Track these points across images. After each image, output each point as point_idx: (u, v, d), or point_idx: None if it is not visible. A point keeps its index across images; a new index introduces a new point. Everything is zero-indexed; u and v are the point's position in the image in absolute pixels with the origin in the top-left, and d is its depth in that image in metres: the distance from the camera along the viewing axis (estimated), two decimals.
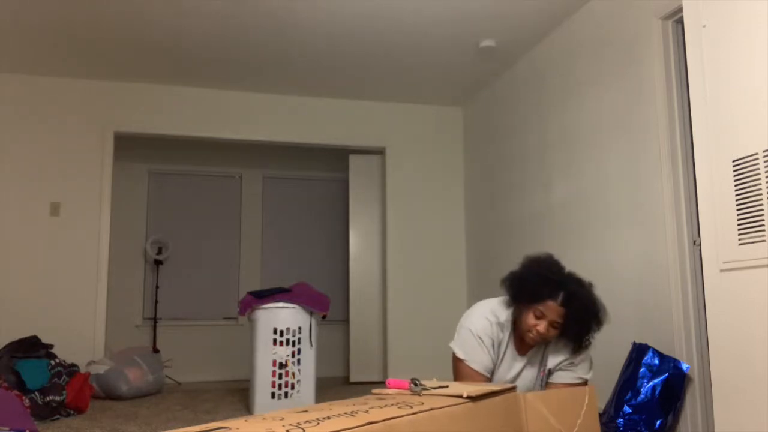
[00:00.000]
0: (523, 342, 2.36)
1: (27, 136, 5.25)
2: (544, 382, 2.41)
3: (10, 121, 5.23)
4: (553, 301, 2.20)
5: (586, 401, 2.24)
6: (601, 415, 3.50)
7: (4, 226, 5.11)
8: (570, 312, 2.19)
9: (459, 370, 2.41)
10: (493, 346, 2.37)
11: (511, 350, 2.39)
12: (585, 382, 2.36)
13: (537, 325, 2.23)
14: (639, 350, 3.30)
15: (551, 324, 2.23)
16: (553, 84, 4.56)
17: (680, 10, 3.25)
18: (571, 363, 2.36)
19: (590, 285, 2.29)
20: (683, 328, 3.23)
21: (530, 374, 2.41)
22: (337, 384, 6.05)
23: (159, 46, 4.78)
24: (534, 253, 2.39)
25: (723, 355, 2.00)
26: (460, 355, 2.39)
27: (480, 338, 2.35)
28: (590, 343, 2.31)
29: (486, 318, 2.38)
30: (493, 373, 2.40)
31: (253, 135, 5.77)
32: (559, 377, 2.38)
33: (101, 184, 5.35)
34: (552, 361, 2.38)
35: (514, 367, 2.41)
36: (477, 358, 2.36)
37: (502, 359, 2.40)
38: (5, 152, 5.18)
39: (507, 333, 2.38)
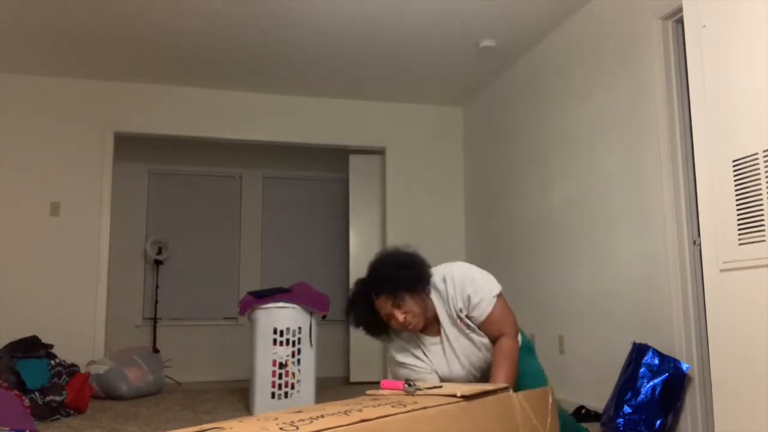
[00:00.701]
0: (423, 329, 2.32)
1: (27, 136, 5.25)
2: (473, 328, 2.32)
3: (10, 121, 5.23)
4: (378, 300, 2.21)
5: (550, 401, 2.23)
6: (601, 415, 3.50)
7: (4, 226, 5.11)
8: (386, 290, 2.19)
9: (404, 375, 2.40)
10: (415, 355, 2.34)
11: (428, 342, 2.33)
12: (498, 297, 2.28)
13: (394, 318, 2.22)
14: (639, 350, 3.30)
15: (396, 313, 2.20)
16: (553, 84, 4.56)
17: (680, 10, 3.25)
18: (469, 301, 2.27)
19: (400, 256, 2.27)
20: (683, 328, 3.23)
21: (461, 340, 2.32)
22: (337, 384, 6.05)
23: (159, 46, 4.78)
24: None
25: (723, 355, 2.00)
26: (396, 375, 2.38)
27: (403, 363, 2.34)
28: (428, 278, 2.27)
29: (391, 342, 2.39)
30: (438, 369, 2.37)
31: (253, 135, 5.76)
32: (479, 319, 2.28)
33: (101, 184, 5.35)
34: (451, 313, 2.30)
35: (445, 351, 2.33)
36: (420, 376, 2.32)
37: (431, 354, 2.34)
38: (5, 152, 5.18)
39: (405, 337, 2.36)
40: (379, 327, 2.31)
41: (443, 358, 2.33)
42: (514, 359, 2.25)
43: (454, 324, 2.30)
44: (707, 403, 3.13)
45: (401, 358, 2.35)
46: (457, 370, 2.33)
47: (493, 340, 2.32)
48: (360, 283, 2.29)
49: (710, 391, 3.04)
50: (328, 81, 5.52)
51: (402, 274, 2.20)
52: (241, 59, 5.04)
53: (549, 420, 2.15)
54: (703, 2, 2.12)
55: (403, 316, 2.21)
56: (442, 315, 2.30)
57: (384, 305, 2.21)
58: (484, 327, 2.30)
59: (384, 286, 2.20)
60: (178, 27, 4.46)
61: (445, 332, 2.31)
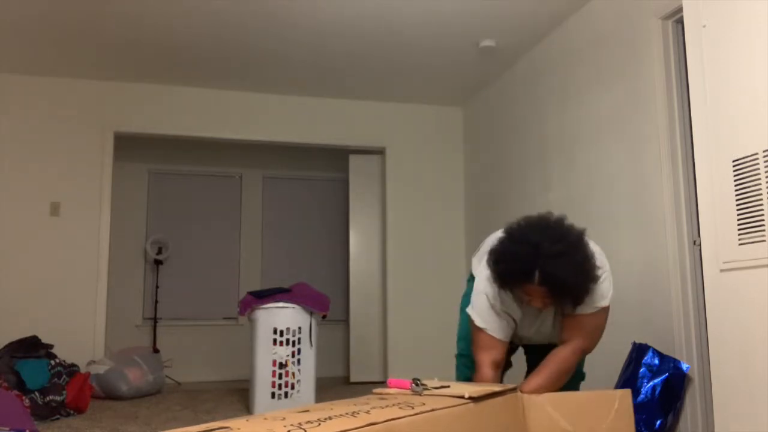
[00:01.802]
0: None
1: (27, 136, 5.25)
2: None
3: (10, 121, 5.22)
4: (530, 284, 2.03)
5: (616, 406, 2.10)
6: None
7: (4, 226, 5.11)
8: (552, 289, 2.02)
9: (478, 337, 2.30)
10: (507, 309, 2.26)
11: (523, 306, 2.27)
12: (605, 309, 2.20)
13: (530, 301, 2.12)
14: (639, 350, 3.30)
15: (542, 299, 2.08)
16: (553, 84, 4.56)
17: (680, 10, 3.25)
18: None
19: (572, 243, 2.04)
20: (683, 328, 3.23)
21: (549, 319, 2.31)
22: (337, 384, 6.05)
23: (159, 47, 4.78)
24: (513, 221, 2.21)
25: (723, 355, 2.00)
26: (478, 323, 2.29)
27: (493, 306, 2.25)
28: (589, 293, 2.11)
29: (492, 284, 2.24)
30: (515, 329, 2.33)
31: (253, 135, 5.76)
32: (576, 310, 2.23)
33: (101, 184, 5.35)
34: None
35: (535, 318, 2.31)
36: (495, 326, 2.25)
37: (520, 316, 2.29)
38: (5, 152, 5.18)
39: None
40: (506, 286, 2.15)
41: (530, 325, 2.33)
42: (563, 370, 2.20)
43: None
44: (707, 403, 3.13)
45: (494, 300, 2.26)
46: (535, 332, 2.34)
47: (561, 340, 2.29)
48: (528, 250, 2.02)
49: (710, 391, 3.04)
50: (328, 81, 5.52)
51: (580, 289, 2.04)
52: (241, 59, 5.04)
53: (604, 426, 2.01)
54: (703, 2, 2.12)
55: (545, 303, 2.11)
56: None
57: (535, 291, 2.06)
58: (567, 323, 2.25)
59: (555, 289, 2.02)
60: (178, 27, 4.46)
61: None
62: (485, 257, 2.29)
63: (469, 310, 2.35)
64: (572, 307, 2.17)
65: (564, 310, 2.25)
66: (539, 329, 2.36)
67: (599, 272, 2.11)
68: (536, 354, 2.52)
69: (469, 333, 2.47)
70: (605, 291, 2.22)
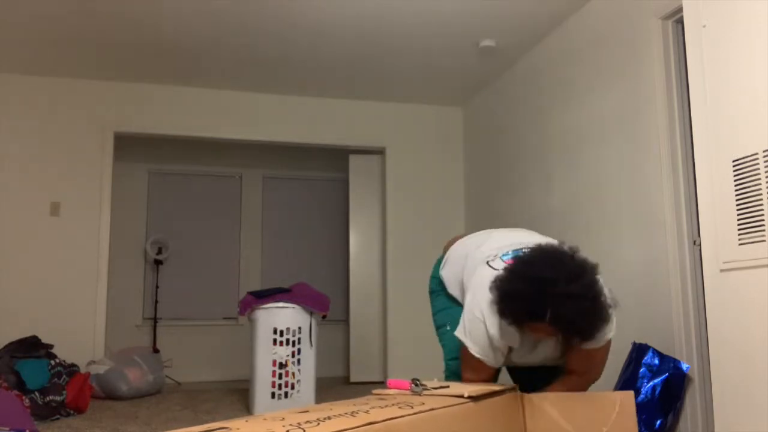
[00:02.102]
0: None
1: (27, 136, 5.25)
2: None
3: (10, 121, 5.23)
4: (541, 323, 1.94)
5: (617, 409, 2.07)
6: None
7: (4, 226, 5.11)
8: (563, 330, 1.96)
9: (470, 361, 2.22)
10: (505, 339, 2.16)
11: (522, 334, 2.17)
12: (610, 340, 2.17)
13: (537, 335, 2.05)
14: (639, 350, 3.30)
15: (549, 335, 2.02)
16: (553, 84, 4.56)
17: (680, 10, 3.25)
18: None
19: (586, 285, 1.95)
20: (683, 328, 3.23)
21: (548, 347, 2.24)
22: (337, 384, 6.05)
23: (159, 47, 4.78)
24: (527, 253, 2.10)
25: (723, 355, 2.00)
26: (475, 352, 2.17)
27: (491, 337, 2.13)
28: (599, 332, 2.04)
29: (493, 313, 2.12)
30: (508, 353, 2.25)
31: (253, 135, 5.76)
32: (584, 345, 2.17)
33: (101, 184, 5.35)
34: None
35: (533, 346, 2.23)
36: (491, 356, 2.17)
37: (518, 345, 2.20)
38: (5, 152, 5.18)
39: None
40: (514, 322, 2.04)
41: (526, 352, 2.25)
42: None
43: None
44: (707, 403, 3.13)
45: (497, 341, 2.13)
46: (518, 359, 2.28)
47: (570, 371, 2.24)
48: (540, 288, 1.91)
49: (710, 391, 3.04)
50: (328, 81, 5.52)
51: (592, 330, 1.96)
52: (241, 59, 5.04)
53: (606, 429, 2.00)
54: (703, 2, 2.12)
55: (551, 338, 2.06)
56: None
57: (543, 330, 1.98)
58: (574, 356, 2.19)
59: (566, 330, 1.95)
60: (178, 27, 4.46)
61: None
62: (480, 270, 2.18)
63: (460, 335, 2.20)
64: (580, 343, 2.10)
65: (570, 344, 2.16)
66: (535, 355, 2.27)
67: (610, 311, 2.03)
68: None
69: (457, 352, 2.38)
70: (612, 325, 2.16)
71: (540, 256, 2.02)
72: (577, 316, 1.90)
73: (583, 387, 2.24)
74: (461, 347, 2.25)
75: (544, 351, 2.26)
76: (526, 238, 2.36)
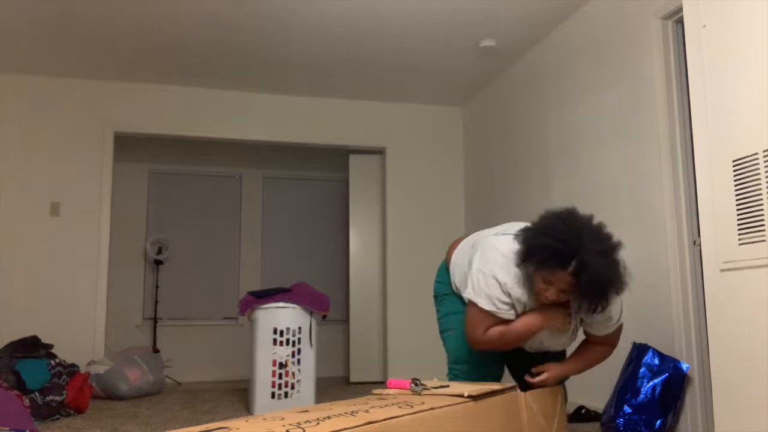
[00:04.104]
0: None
1: (27, 136, 5.25)
2: (577, 328, 2.29)
3: (10, 121, 5.23)
4: (563, 271, 1.99)
5: (560, 400, 2.27)
6: (601, 415, 3.50)
7: (4, 226, 5.11)
8: (581, 282, 1.99)
9: (476, 316, 2.20)
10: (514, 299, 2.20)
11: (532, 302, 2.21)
12: (621, 327, 2.28)
13: (546, 290, 2.08)
14: (639, 350, 3.30)
15: (560, 290, 2.06)
16: (553, 84, 4.56)
17: (680, 10, 3.25)
18: (603, 314, 2.20)
19: (612, 248, 2.04)
20: (683, 328, 3.23)
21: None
22: (337, 384, 6.05)
23: (159, 46, 4.78)
24: (555, 208, 2.15)
25: (723, 355, 2.00)
26: (484, 305, 2.16)
27: (508, 293, 2.15)
28: (608, 304, 2.11)
29: (506, 271, 2.16)
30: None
31: (253, 135, 5.77)
32: (596, 329, 2.26)
33: (101, 184, 5.35)
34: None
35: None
36: (504, 308, 2.17)
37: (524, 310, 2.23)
38: (5, 152, 5.18)
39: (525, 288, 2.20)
40: (537, 264, 2.08)
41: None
42: (594, 363, 2.34)
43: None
44: (707, 403, 3.13)
45: (510, 288, 2.16)
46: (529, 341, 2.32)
47: (595, 341, 2.35)
48: (571, 238, 1.98)
49: (710, 391, 3.04)
50: (328, 81, 5.52)
51: (606, 292, 2.01)
52: (240, 59, 5.04)
53: (556, 419, 2.15)
54: (703, 2, 2.12)
55: (560, 296, 2.08)
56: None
57: (562, 279, 2.02)
58: (594, 335, 2.31)
59: (585, 283, 1.99)
60: (178, 27, 4.46)
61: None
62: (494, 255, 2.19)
63: (469, 295, 2.21)
64: (590, 312, 2.13)
65: (586, 318, 2.22)
66: (545, 335, 2.28)
67: (625, 285, 2.08)
68: (524, 364, 2.45)
69: (466, 355, 2.40)
70: (621, 307, 2.28)
71: (577, 215, 2.10)
72: (600, 274, 1.97)
73: (606, 356, 2.36)
74: (469, 308, 2.24)
75: (560, 336, 2.30)
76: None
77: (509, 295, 2.16)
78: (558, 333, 2.28)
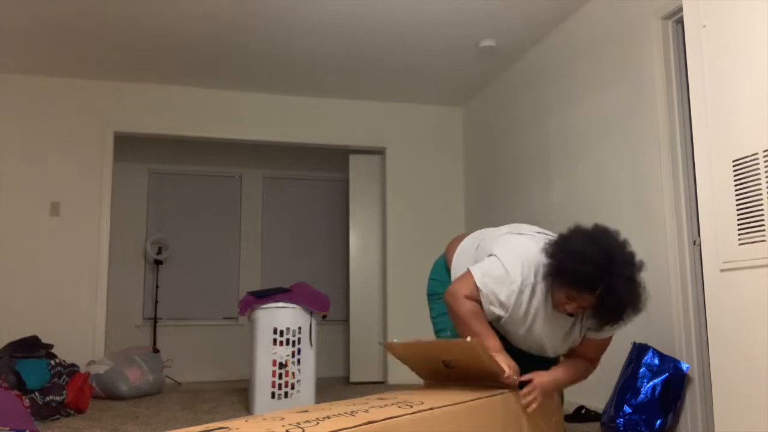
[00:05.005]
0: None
1: (27, 136, 5.25)
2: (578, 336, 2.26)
3: (10, 121, 5.23)
4: (590, 294, 1.99)
5: (557, 400, 2.26)
6: (601, 415, 3.50)
7: (4, 226, 5.11)
8: (603, 305, 2.00)
9: (469, 287, 2.15)
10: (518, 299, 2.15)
11: (544, 311, 2.17)
12: (610, 338, 2.26)
13: (566, 304, 2.06)
14: (639, 350, 3.30)
15: (581, 307, 2.05)
16: (553, 84, 4.56)
17: (680, 10, 3.25)
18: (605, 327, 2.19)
19: (638, 271, 2.03)
20: (683, 328, 3.23)
21: (559, 331, 2.23)
22: (337, 384, 6.05)
23: (159, 47, 4.78)
24: (589, 226, 2.08)
25: (723, 355, 2.00)
26: (476, 277, 2.12)
27: (521, 289, 2.12)
28: (624, 323, 2.10)
29: (527, 269, 2.13)
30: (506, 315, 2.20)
31: (253, 135, 5.77)
32: (591, 333, 2.24)
33: (101, 184, 5.35)
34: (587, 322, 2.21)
35: (544, 325, 2.20)
36: (496, 301, 2.12)
37: (530, 316, 2.18)
38: (5, 152, 5.18)
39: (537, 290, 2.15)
40: (565, 283, 2.04)
41: (535, 321, 2.20)
42: (579, 378, 2.25)
43: (576, 323, 2.21)
44: (707, 403, 3.13)
45: (524, 283, 2.12)
46: (524, 332, 2.22)
47: (579, 355, 2.29)
48: (603, 263, 1.95)
49: (710, 391, 3.04)
50: (328, 81, 5.52)
51: (626, 317, 2.01)
52: (241, 59, 5.04)
53: (554, 420, 2.15)
54: (703, 2, 2.12)
55: (578, 311, 2.07)
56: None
57: (586, 299, 2.01)
58: (590, 343, 2.25)
59: (607, 307, 1.99)
60: (178, 27, 4.46)
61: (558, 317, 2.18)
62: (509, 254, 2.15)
63: (473, 268, 2.16)
64: (602, 327, 2.15)
65: (593, 327, 2.20)
66: (535, 337, 2.24)
67: (643, 306, 2.07)
68: (523, 364, 2.43)
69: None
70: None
71: (606, 231, 2.07)
72: (624, 299, 1.96)
73: (587, 374, 2.27)
74: (466, 273, 2.19)
75: (555, 331, 2.21)
76: (544, 230, 2.37)
77: (508, 295, 2.13)
78: (565, 341, 2.24)
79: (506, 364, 2.04)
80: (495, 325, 2.23)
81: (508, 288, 2.11)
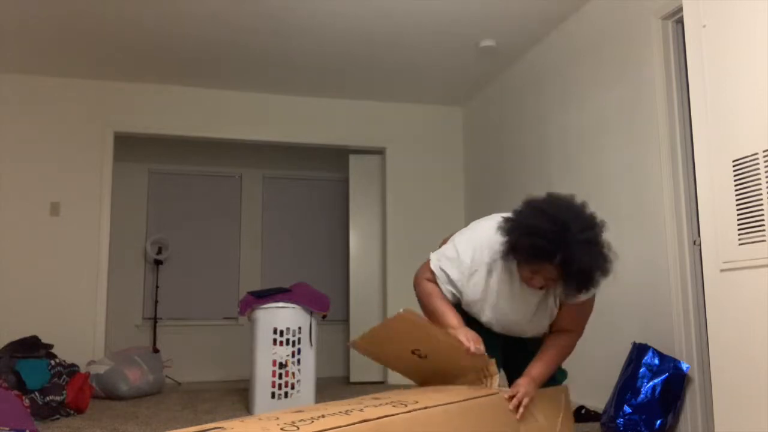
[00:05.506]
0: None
1: (27, 136, 5.25)
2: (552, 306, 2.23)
3: (11, 121, 5.23)
4: (550, 264, 1.95)
5: (563, 400, 2.24)
6: (601, 415, 3.50)
7: (4, 226, 5.11)
8: (568, 272, 1.95)
9: (423, 286, 2.27)
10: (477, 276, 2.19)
11: (511, 285, 2.18)
12: (594, 294, 2.20)
13: (532, 278, 2.04)
14: (639, 350, 3.30)
15: (547, 279, 2.02)
16: (553, 84, 4.56)
17: (680, 10, 3.25)
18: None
19: (597, 233, 1.99)
20: (683, 328, 3.23)
21: (529, 304, 2.22)
22: (337, 384, 6.05)
23: (159, 47, 4.78)
24: (541, 196, 2.08)
25: (723, 355, 2.00)
26: (432, 261, 2.26)
27: (471, 271, 2.17)
28: (595, 287, 2.06)
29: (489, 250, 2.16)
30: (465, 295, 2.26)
31: (253, 135, 5.76)
32: (569, 300, 2.19)
33: (101, 184, 5.35)
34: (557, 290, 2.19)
35: (508, 298, 2.21)
36: (448, 281, 2.22)
37: (491, 289, 2.20)
38: (5, 152, 5.19)
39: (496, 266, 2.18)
40: (522, 258, 2.03)
41: (500, 298, 2.21)
42: (561, 358, 2.21)
43: (549, 294, 2.18)
44: (707, 403, 3.13)
45: (478, 265, 2.17)
46: (492, 312, 2.22)
47: (554, 330, 2.25)
48: (555, 230, 1.92)
49: (710, 391, 3.04)
50: (329, 81, 5.52)
51: (593, 280, 1.97)
52: (240, 59, 5.04)
53: (560, 419, 2.13)
54: (703, 2, 2.12)
55: (547, 284, 2.04)
56: None
57: (548, 270, 1.98)
58: (564, 312, 2.20)
59: (571, 274, 1.94)
60: (178, 27, 4.46)
61: (525, 288, 2.17)
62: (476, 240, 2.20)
63: (432, 254, 2.28)
64: (574, 295, 2.11)
65: (565, 297, 2.16)
66: (513, 313, 2.23)
67: (612, 265, 2.03)
68: (518, 367, 2.38)
69: None
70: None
71: (557, 200, 2.05)
72: (586, 263, 1.93)
73: (572, 344, 2.25)
74: (426, 262, 2.32)
75: (524, 306, 2.21)
76: None
77: (459, 276, 2.21)
78: (540, 315, 2.22)
79: (465, 337, 2.06)
80: (466, 309, 2.29)
81: (458, 269, 2.21)
